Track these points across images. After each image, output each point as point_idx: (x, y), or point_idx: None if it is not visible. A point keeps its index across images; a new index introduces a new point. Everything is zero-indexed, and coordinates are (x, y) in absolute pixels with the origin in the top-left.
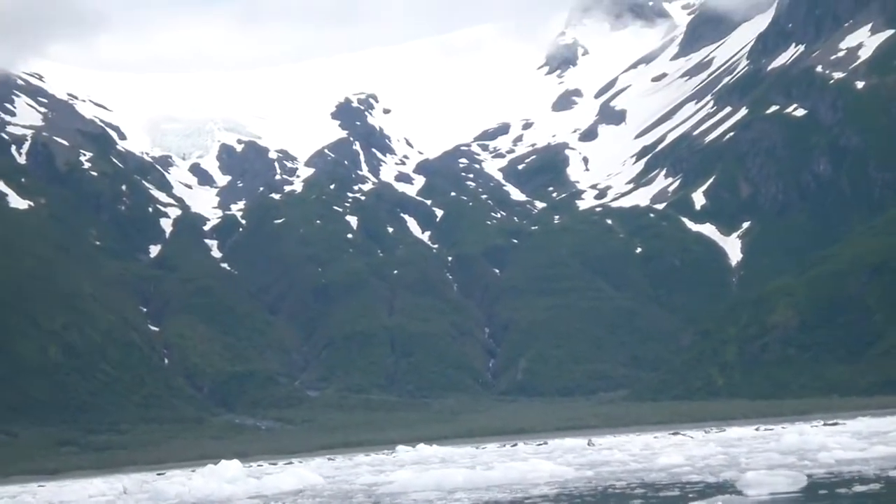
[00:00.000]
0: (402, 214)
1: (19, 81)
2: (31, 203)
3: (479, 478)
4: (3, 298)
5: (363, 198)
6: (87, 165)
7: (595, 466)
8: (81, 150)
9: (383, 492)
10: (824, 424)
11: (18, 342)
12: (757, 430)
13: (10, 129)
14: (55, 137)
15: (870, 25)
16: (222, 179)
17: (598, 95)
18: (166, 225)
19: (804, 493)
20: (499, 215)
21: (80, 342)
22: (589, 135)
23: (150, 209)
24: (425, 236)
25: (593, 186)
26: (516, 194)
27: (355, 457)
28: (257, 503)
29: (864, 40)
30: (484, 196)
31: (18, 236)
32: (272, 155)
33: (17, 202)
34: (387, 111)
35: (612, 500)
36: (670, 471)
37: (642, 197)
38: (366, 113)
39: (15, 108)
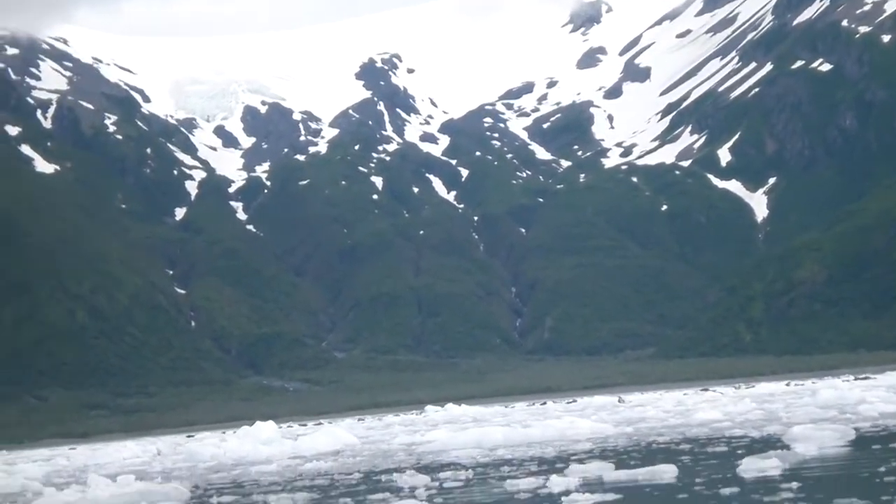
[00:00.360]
0: (427, 174)
1: (44, 46)
2: (58, 167)
3: (519, 435)
4: (30, 263)
5: (388, 158)
6: (112, 129)
7: (632, 423)
8: (107, 114)
9: (424, 450)
10: (855, 379)
11: (46, 306)
12: (788, 385)
13: (35, 93)
14: (80, 101)
15: None
16: (247, 141)
17: (622, 53)
18: (191, 187)
19: (854, 446)
20: (524, 174)
21: (108, 306)
22: (613, 92)
23: (175, 172)
24: (451, 196)
25: (618, 144)
26: (541, 153)
27: (385, 417)
28: (298, 463)
29: None
30: (509, 155)
31: (45, 200)
32: (296, 116)
33: (44, 166)
34: (410, 71)
35: (660, 456)
36: (710, 426)
37: (668, 154)
38: (389, 73)
39: (40, 72)
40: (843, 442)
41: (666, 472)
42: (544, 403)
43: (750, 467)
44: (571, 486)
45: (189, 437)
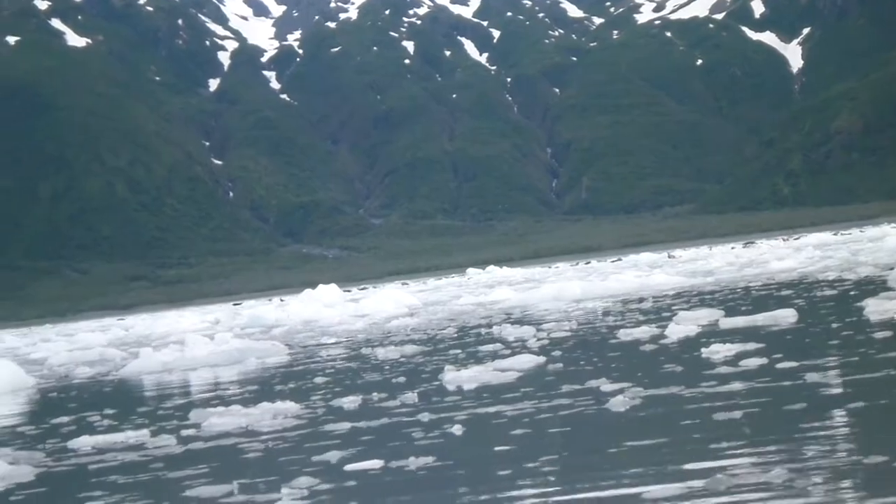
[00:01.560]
0: (458, 37)
1: None
2: (89, 40)
3: (598, 288)
4: (67, 137)
5: (419, 22)
6: (142, 1)
7: (705, 275)
8: None
9: (502, 307)
10: None
11: (85, 180)
12: (836, 234)
13: None
14: None
15: None
16: (277, 10)
17: None
18: (224, 58)
19: None
20: (556, 33)
21: (146, 178)
22: None
23: (208, 43)
24: (483, 58)
25: None
26: (573, 11)
27: (428, 281)
28: (383, 321)
29: None
30: (541, 14)
31: (79, 75)
32: None
33: (75, 40)
34: None
35: (770, 301)
36: (794, 272)
37: (701, 7)
38: None
39: None
40: None
41: (786, 317)
42: (588, 263)
43: (877, 309)
44: (692, 334)
45: (236, 304)
